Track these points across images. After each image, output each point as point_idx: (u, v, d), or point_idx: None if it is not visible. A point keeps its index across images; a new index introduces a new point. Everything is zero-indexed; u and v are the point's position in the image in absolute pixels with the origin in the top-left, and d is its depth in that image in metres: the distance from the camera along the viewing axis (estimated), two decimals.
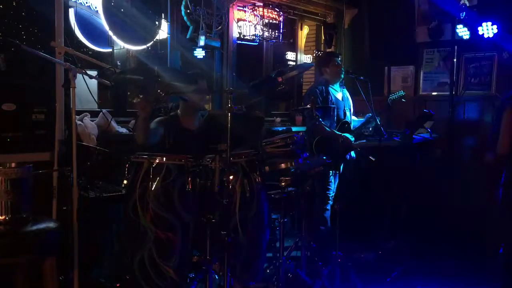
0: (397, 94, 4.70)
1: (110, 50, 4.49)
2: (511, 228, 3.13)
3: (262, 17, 5.57)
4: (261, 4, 5.55)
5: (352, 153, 4.46)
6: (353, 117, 4.64)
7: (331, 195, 4.36)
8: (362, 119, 4.60)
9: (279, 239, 3.36)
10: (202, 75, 3.80)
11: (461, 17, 5.09)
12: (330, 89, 4.42)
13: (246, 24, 5.50)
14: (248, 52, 5.79)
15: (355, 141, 4.43)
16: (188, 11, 4.79)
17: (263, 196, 2.94)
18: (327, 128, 4.25)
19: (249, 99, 3.51)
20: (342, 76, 4.54)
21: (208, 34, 4.85)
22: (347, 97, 4.60)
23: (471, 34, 5.02)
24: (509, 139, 3.09)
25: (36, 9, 3.43)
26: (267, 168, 3.19)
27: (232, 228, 2.74)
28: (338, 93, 4.51)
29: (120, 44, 4.44)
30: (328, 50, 6.36)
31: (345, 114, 4.49)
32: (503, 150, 3.13)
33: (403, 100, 4.65)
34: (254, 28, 5.55)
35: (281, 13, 5.77)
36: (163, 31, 4.74)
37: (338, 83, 4.56)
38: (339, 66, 4.49)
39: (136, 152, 2.82)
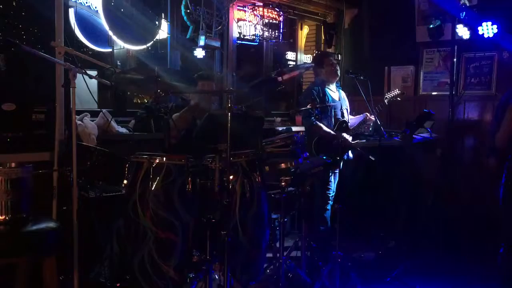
0: (393, 93, 4.69)
1: (110, 50, 4.49)
2: (511, 228, 3.13)
3: (262, 17, 5.57)
4: (261, 4, 5.55)
5: (350, 153, 4.47)
6: (351, 117, 4.64)
7: (331, 195, 4.36)
8: (359, 116, 4.60)
9: (279, 239, 3.36)
10: (208, 76, 3.82)
11: (461, 17, 5.09)
12: (326, 90, 4.42)
13: (246, 24, 5.51)
14: (248, 52, 5.79)
15: (353, 140, 4.44)
16: (188, 11, 4.79)
17: (263, 196, 2.95)
18: (325, 128, 4.25)
19: (249, 99, 3.52)
20: (339, 74, 4.54)
21: (208, 34, 4.85)
22: (343, 97, 4.61)
23: (471, 34, 5.02)
24: (509, 134, 3.09)
25: (36, 9, 3.43)
26: (267, 168, 3.19)
27: (232, 228, 2.74)
28: (335, 93, 4.51)
29: (120, 44, 4.44)
30: (326, 49, 6.36)
31: (342, 114, 4.49)
32: (501, 143, 3.14)
33: (398, 98, 4.64)
34: (254, 28, 5.55)
35: (281, 13, 5.77)
36: (163, 31, 4.74)
37: (334, 83, 4.56)
38: (333, 65, 4.48)
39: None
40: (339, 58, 6.37)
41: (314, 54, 6.33)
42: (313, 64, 4.77)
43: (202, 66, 4.97)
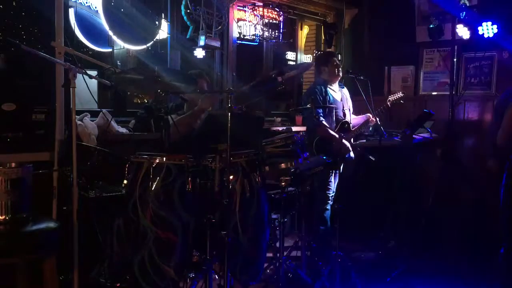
0: (395, 96, 4.68)
1: (110, 50, 4.49)
2: (511, 228, 3.12)
3: (262, 17, 5.57)
4: (261, 4, 5.55)
5: (351, 154, 4.46)
6: (353, 116, 4.63)
7: (331, 195, 4.36)
8: (362, 117, 4.59)
9: (279, 239, 3.36)
10: (201, 74, 3.82)
11: (461, 17, 5.09)
12: (328, 90, 4.41)
13: (246, 24, 5.51)
14: (248, 52, 5.78)
15: (354, 141, 4.43)
16: (188, 11, 4.79)
17: (263, 196, 2.94)
18: (328, 130, 4.23)
19: (249, 99, 3.52)
20: (340, 75, 4.53)
21: (208, 34, 4.85)
22: (346, 97, 4.58)
23: (471, 34, 5.02)
24: (509, 133, 3.09)
25: (36, 9, 3.43)
26: (267, 168, 3.19)
27: (232, 228, 2.74)
28: (337, 93, 4.49)
29: (120, 44, 4.44)
30: (327, 49, 6.35)
31: (344, 114, 4.47)
32: (502, 142, 3.14)
33: (401, 101, 4.64)
34: (254, 28, 5.55)
35: (281, 13, 5.77)
36: (163, 31, 4.74)
37: (337, 83, 4.55)
38: (338, 66, 4.47)
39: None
40: (339, 58, 6.37)
41: (319, 53, 6.26)
42: (317, 62, 4.73)
43: (202, 66, 4.97)
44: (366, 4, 6.36)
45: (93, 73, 3.83)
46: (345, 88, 4.63)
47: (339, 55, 6.39)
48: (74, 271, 2.80)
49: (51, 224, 2.69)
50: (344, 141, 4.25)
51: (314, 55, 6.57)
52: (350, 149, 4.32)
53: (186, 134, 3.42)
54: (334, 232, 3.41)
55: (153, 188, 2.67)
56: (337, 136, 4.24)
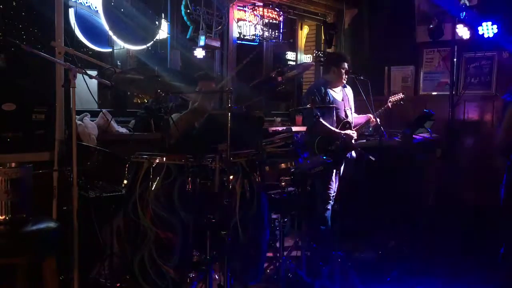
0: (396, 97, 4.68)
1: (110, 50, 4.49)
2: (511, 228, 3.12)
3: (262, 17, 5.57)
4: (261, 4, 5.55)
5: (353, 152, 4.45)
6: (355, 115, 4.61)
7: (332, 195, 4.35)
8: (363, 116, 4.59)
9: (279, 239, 3.36)
10: (209, 76, 3.82)
11: (461, 17, 5.09)
12: (329, 90, 4.39)
13: (246, 24, 5.51)
14: (248, 52, 5.78)
15: (354, 141, 4.43)
16: (188, 11, 4.79)
17: (263, 196, 2.95)
18: (328, 126, 4.23)
19: (249, 99, 3.53)
20: (344, 82, 4.48)
21: (208, 34, 4.85)
22: (348, 97, 4.56)
23: (471, 34, 5.03)
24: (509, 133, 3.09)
25: (36, 9, 3.43)
26: (267, 168, 3.19)
27: (232, 228, 2.74)
28: (337, 93, 4.47)
29: (120, 44, 4.44)
30: (326, 49, 6.34)
31: (346, 114, 4.46)
32: (501, 143, 3.14)
33: (402, 102, 4.64)
34: (254, 28, 5.55)
35: (281, 13, 5.77)
36: (163, 31, 4.74)
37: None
38: (347, 72, 4.41)
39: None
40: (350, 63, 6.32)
41: (321, 52, 6.19)
42: (328, 60, 4.67)
43: (202, 66, 4.97)
44: (366, 4, 6.36)
45: (93, 73, 3.83)
46: (348, 87, 4.57)
47: None
48: (74, 271, 2.80)
49: (51, 224, 2.69)
50: (346, 130, 4.23)
51: (314, 55, 6.57)
52: (355, 136, 4.30)
53: (186, 131, 3.43)
54: (334, 232, 3.41)
55: (153, 188, 2.68)
56: (336, 130, 4.23)
